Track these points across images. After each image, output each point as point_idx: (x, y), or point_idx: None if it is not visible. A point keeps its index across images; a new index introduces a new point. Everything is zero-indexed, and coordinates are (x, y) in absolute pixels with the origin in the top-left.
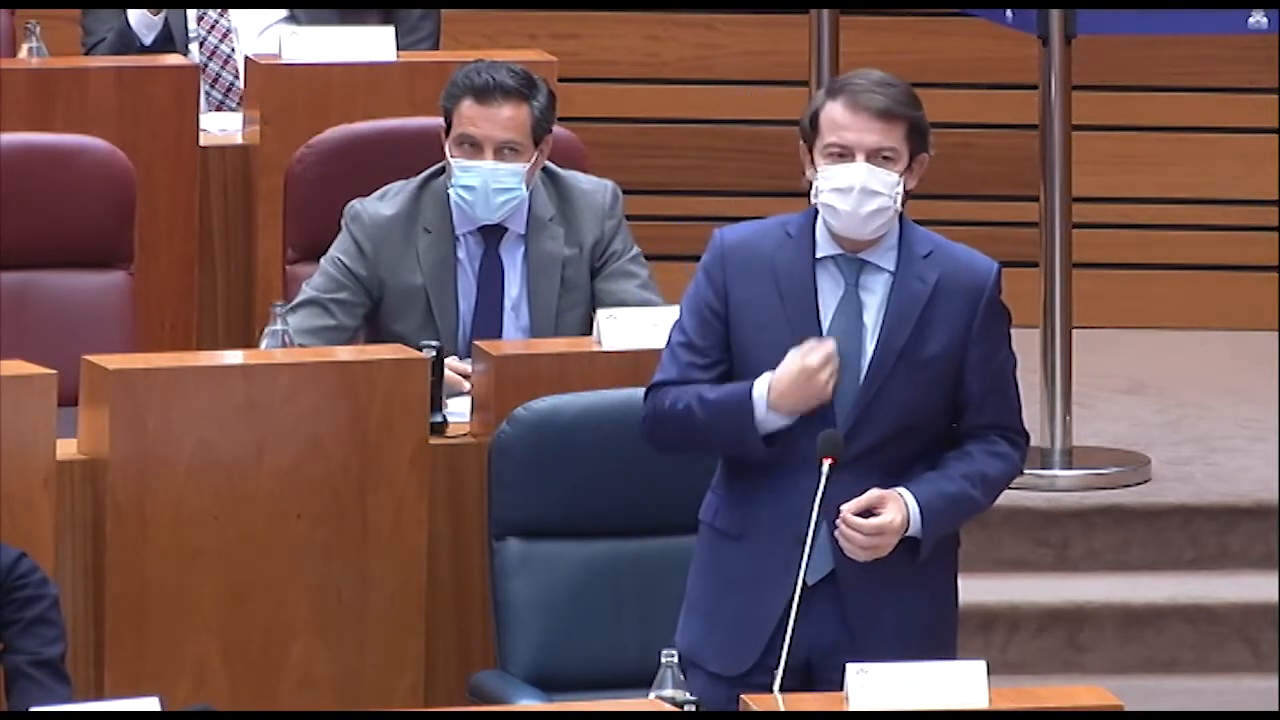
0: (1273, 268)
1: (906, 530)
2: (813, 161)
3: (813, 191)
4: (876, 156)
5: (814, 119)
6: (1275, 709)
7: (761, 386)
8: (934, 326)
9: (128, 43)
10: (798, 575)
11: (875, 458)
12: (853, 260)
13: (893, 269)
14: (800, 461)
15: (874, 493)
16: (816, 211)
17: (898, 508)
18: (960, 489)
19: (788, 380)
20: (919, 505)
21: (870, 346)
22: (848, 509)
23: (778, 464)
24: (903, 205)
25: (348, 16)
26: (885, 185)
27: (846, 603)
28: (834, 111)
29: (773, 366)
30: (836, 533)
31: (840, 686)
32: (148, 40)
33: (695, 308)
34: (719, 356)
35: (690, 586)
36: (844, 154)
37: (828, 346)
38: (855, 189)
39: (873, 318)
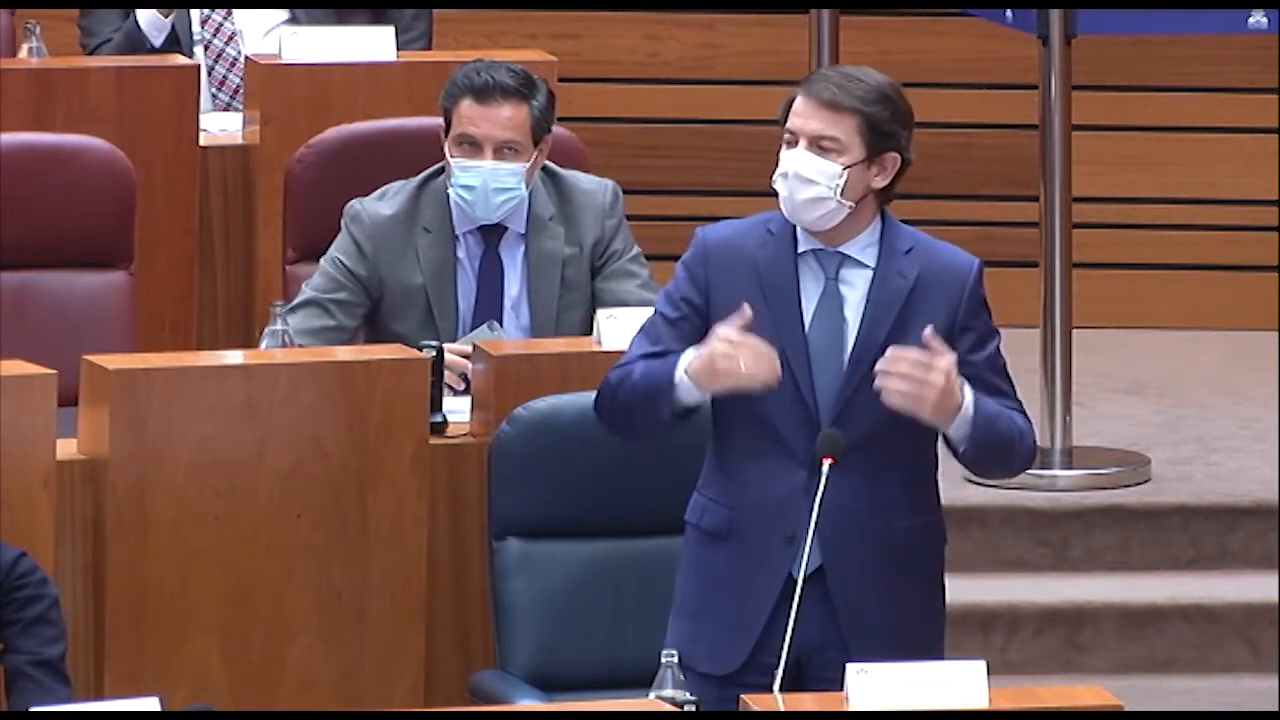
0: (1273, 268)
1: (960, 398)
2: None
3: (772, 181)
4: (816, 145)
5: (786, 110)
6: (1275, 709)
7: (687, 359)
8: (915, 321)
9: (137, 45)
10: (793, 573)
11: (860, 454)
12: (832, 255)
13: (873, 264)
14: (785, 459)
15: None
16: None
17: (951, 361)
18: (1000, 407)
19: (704, 358)
20: (971, 391)
21: (851, 341)
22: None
23: (763, 462)
24: (885, 203)
25: (343, 16)
26: (822, 175)
27: (835, 601)
28: (796, 101)
29: None
30: (878, 381)
31: (830, 684)
32: (158, 42)
33: (672, 303)
34: (683, 346)
35: (678, 588)
36: (791, 141)
37: (731, 328)
38: (790, 174)
39: (853, 312)
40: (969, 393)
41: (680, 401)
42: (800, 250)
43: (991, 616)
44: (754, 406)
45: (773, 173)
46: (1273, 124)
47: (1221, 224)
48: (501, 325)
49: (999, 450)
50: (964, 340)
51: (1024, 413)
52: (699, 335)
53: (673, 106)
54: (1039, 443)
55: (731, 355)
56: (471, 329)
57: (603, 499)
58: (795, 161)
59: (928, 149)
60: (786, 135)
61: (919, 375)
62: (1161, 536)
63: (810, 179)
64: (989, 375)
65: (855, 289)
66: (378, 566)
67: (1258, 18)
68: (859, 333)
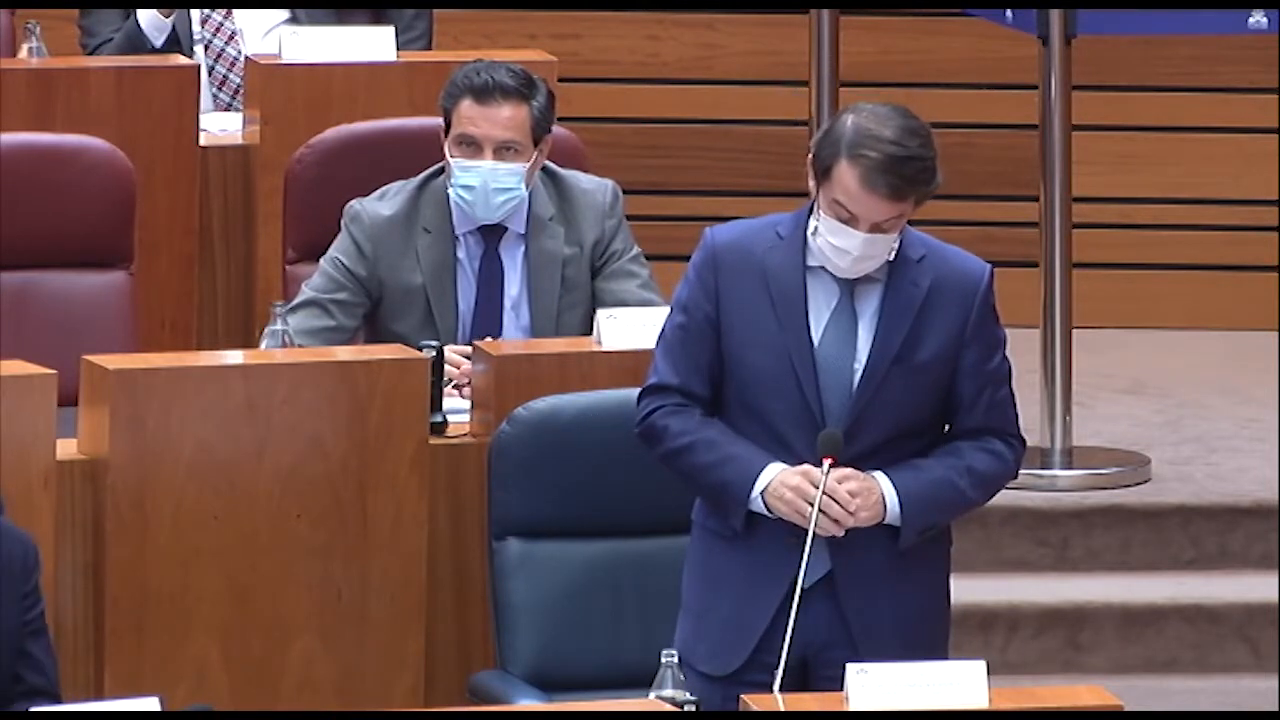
0: (1273, 268)
1: (884, 511)
2: (818, 185)
3: (811, 230)
4: (879, 228)
5: (828, 167)
6: (1275, 709)
7: (763, 481)
8: (928, 331)
9: (138, 45)
10: (795, 575)
11: (870, 462)
12: None
13: (886, 275)
14: (793, 463)
15: (842, 471)
16: (808, 213)
17: (872, 482)
18: (943, 476)
19: (783, 491)
20: (895, 489)
21: (864, 353)
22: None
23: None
24: None
25: (343, 16)
26: (885, 249)
27: (843, 601)
28: (847, 176)
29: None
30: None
31: (836, 683)
32: (159, 43)
33: (686, 312)
34: (712, 359)
35: (684, 587)
36: (848, 219)
37: (822, 482)
38: (852, 254)
39: (867, 324)
40: (890, 497)
41: (747, 509)
42: (814, 264)
43: (991, 616)
44: (760, 414)
45: (807, 221)
46: (1273, 124)
47: (1221, 224)
48: (501, 325)
49: (950, 517)
50: (972, 349)
51: (1010, 439)
52: (715, 342)
53: (672, 106)
54: (1040, 443)
55: (804, 504)
56: (471, 329)
57: (603, 499)
58: (856, 244)
59: None
60: (842, 212)
61: (852, 505)
62: (1161, 536)
63: (875, 256)
64: (991, 388)
65: (869, 301)
66: (378, 566)
67: (1258, 18)
68: (873, 345)
